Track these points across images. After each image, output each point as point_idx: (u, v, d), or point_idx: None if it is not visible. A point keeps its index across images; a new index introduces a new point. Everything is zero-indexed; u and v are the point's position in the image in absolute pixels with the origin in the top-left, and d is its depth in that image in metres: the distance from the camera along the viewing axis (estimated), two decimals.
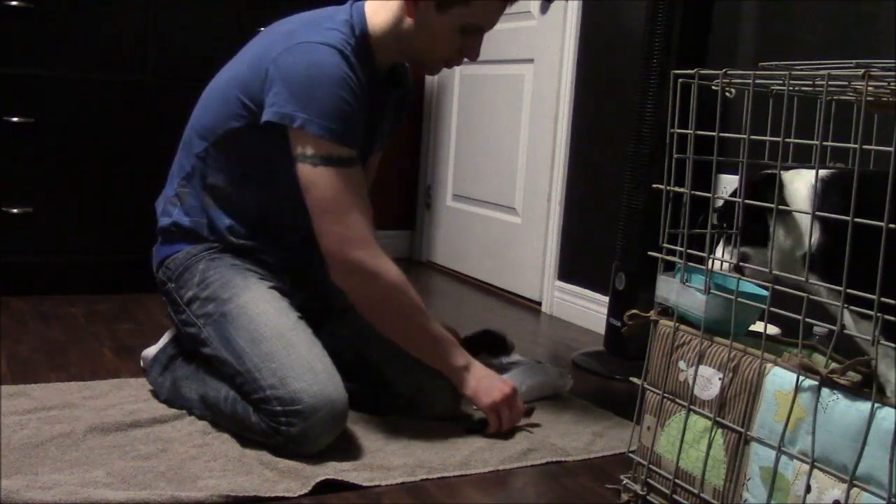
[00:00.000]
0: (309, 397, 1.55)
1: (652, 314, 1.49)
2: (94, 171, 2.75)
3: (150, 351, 1.96)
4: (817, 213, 1.23)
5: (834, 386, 1.17)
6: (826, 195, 1.28)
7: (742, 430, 1.30)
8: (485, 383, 1.75)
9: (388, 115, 1.91)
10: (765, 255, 1.34)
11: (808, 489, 1.18)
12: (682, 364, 1.42)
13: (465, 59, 1.78)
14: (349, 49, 1.67)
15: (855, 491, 1.12)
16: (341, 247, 1.66)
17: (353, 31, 1.71)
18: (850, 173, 1.21)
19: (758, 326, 1.49)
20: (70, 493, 1.35)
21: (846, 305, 1.16)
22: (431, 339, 1.74)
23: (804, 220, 1.30)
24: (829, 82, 1.23)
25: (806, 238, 1.29)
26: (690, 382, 1.39)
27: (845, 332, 1.16)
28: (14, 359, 2.07)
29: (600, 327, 2.59)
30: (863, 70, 1.13)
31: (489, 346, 2.09)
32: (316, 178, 1.64)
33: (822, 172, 1.31)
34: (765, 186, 1.33)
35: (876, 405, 1.11)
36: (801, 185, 1.33)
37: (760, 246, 1.36)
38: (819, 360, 1.36)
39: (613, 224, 2.50)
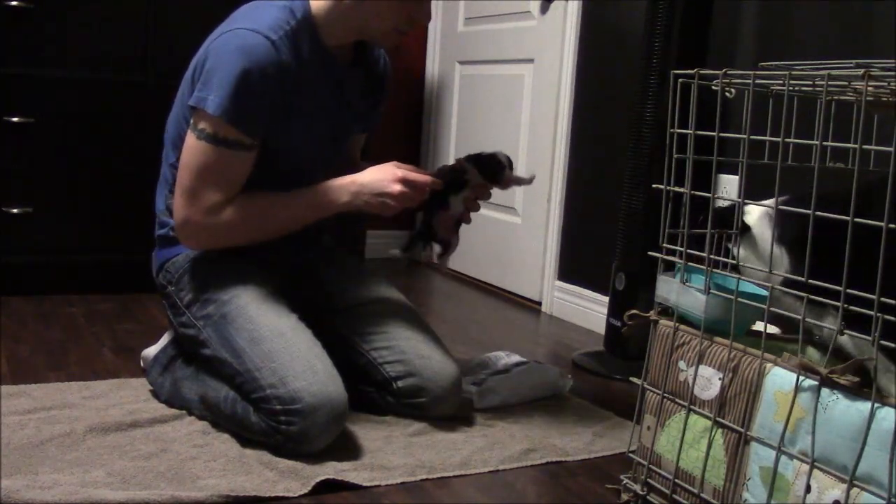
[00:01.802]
0: (309, 396, 1.55)
1: (652, 314, 1.49)
2: (93, 171, 2.74)
3: (150, 351, 1.96)
4: (815, 213, 1.22)
5: (834, 386, 1.17)
6: (782, 221, 1.33)
7: (742, 430, 1.30)
8: (374, 198, 1.72)
9: (356, 95, 1.91)
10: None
11: (808, 489, 1.18)
12: (682, 364, 1.42)
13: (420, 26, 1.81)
14: (281, 33, 1.68)
15: (855, 491, 1.12)
16: (181, 218, 1.70)
17: (294, 14, 1.72)
18: (802, 198, 1.27)
19: (758, 326, 1.49)
20: (70, 493, 1.35)
21: (844, 304, 1.16)
22: (306, 214, 1.77)
23: (765, 246, 1.36)
24: (829, 82, 1.23)
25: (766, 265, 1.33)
26: (690, 382, 1.39)
27: (846, 332, 1.16)
28: (14, 359, 2.07)
29: (600, 327, 2.59)
30: (863, 70, 1.13)
31: (484, 170, 1.87)
32: (193, 149, 1.67)
33: (776, 200, 1.35)
34: (729, 216, 1.40)
35: (876, 405, 1.11)
36: (755, 211, 1.40)
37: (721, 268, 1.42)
38: (812, 353, 1.36)
39: (613, 224, 2.49)
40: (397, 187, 1.71)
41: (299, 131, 1.78)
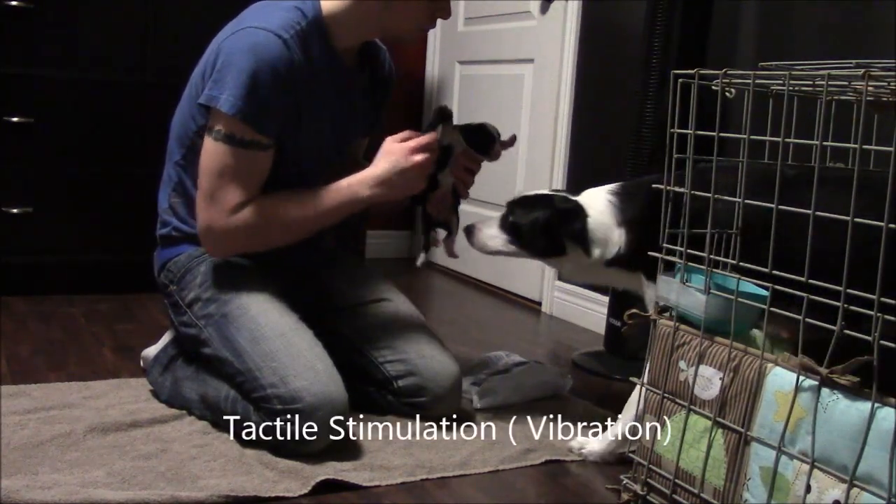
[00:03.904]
0: (310, 396, 1.55)
1: (652, 314, 1.49)
2: (93, 171, 2.74)
3: (151, 351, 1.96)
4: (817, 213, 1.22)
5: (834, 386, 1.17)
6: (623, 205, 1.61)
7: (742, 430, 1.30)
8: (398, 178, 1.69)
9: (360, 97, 1.91)
10: (561, 264, 1.71)
11: (808, 489, 1.18)
12: (682, 364, 1.42)
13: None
14: (292, 33, 1.67)
15: (855, 491, 1.12)
16: (203, 223, 1.69)
17: (304, 15, 1.71)
18: (631, 185, 1.65)
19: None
20: (70, 493, 1.35)
21: (844, 304, 1.16)
22: (332, 213, 1.73)
23: (603, 235, 1.62)
24: (829, 82, 1.23)
25: (608, 248, 1.61)
26: (691, 382, 1.39)
27: (845, 332, 1.16)
28: (14, 359, 2.07)
29: (600, 327, 2.59)
30: (863, 70, 1.13)
31: (473, 141, 1.85)
32: (211, 151, 1.67)
33: (612, 187, 1.65)
34: (573, 216, 1.64)
35: (876, 405, 1.11)
36: (597, 204, 1.63)
37: (556, 255, 1.69)
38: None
39: None
40: (415, 157, 1.69)
41: (307, 133, 1.78)
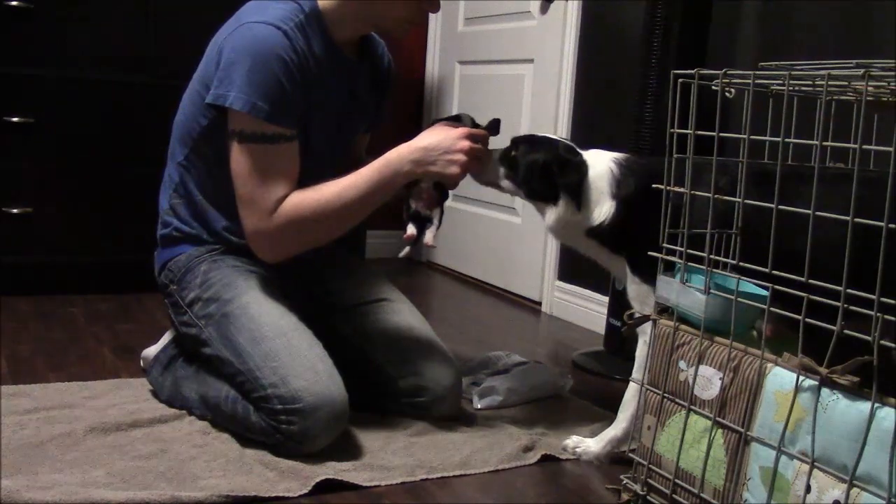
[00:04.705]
0: (310, 396, 1.55)
1: (652, 314, 1.49)
2: (93, 171, 2.75)
3: (151, 351, 1.96)
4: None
5: (834, 386, 1.17)
6: (622, 178, 1.58)
7: (742, 430, 1.30)
8: (442, 156, 1.65)
9: (363, 90, 1.90)
10: (547, 212, 1.64)
11: (808, 489, 1.18)
12: (682, 364, 1.42)
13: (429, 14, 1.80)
14: (292, 24, 1.68)
15: (855, 491, 1.12)
16: (249, 230, 1.69)
17: (301, 8, 1.72)
18: (635, 162, 1.62)
19: None
20: (70, 493, 1.35)
21: (844, 304, 1.16)
22: (373, 193, 1.68)
23: (595, 198, 1.59)
24: (829, 82, 1.23)
25: (595, 212, 1.59)
26: (690, 382, 1.39)
27: (845, 332, 1.16)
28: (14, 359, 2.07)
29: (600, 327, 2.59)
30: (863, 70, 1.13)
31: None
32: (236, 155, 1.66)
33: (617, 156, 1.62)
34: (573, 168, 1.60)
35: (876, 405, 1.11)
36: (599, 167, 1.60)
37: (545, 202, 1.64)
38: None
39: None
40: (466, 143, 1.65)
41: (313, 125, 1.78)
